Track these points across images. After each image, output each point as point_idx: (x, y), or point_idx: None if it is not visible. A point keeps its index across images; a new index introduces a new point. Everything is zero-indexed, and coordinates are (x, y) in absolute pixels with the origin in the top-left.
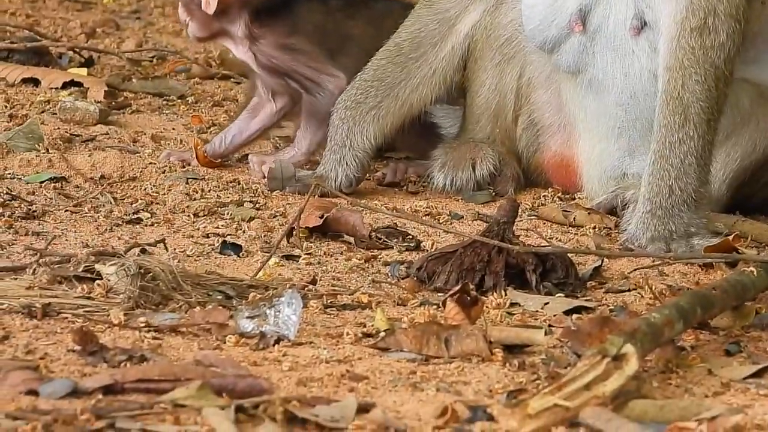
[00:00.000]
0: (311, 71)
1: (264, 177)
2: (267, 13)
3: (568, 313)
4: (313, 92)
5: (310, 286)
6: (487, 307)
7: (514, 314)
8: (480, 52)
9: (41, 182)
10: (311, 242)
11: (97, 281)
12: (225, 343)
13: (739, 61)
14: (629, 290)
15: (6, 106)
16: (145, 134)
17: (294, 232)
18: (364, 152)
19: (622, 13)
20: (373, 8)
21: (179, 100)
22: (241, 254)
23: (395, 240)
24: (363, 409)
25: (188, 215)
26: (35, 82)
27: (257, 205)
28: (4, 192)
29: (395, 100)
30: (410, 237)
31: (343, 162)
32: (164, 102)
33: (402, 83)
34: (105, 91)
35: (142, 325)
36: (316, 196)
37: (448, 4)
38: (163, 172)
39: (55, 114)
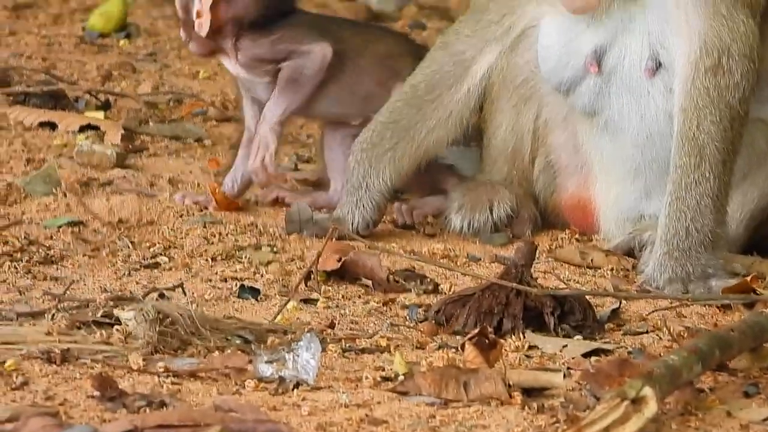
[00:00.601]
0: (294, 45)
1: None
2: (257, 28)
3: (586, 355)
4: (295, 57)
5: (329, 330)
6: (505, 350)
7: (533, 357)
8: (496, 94)
9: (59, 227)
10: (329, 286)
11: (116, 326)
12: (244, 387)
13: (754, 100)
14: (647, 332)
15: (23, 150)
16: (162, 178)
17: (312, 276)
18: (380, 194)
19: (637, 54)
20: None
21: (196, 143)
22: (259, 298)
23: (413, 283)
24: None
25: (206, 259)
26: (52, 125)
27: (275, 249)
28: (22, 237)
29: (411, 143)
30: (428, 280)
31: (360, 204)
32: (181, 145)
33: (418, 125)
34: (122, 134)
35: (161, 370)
36: (334, 239)
37: (464, 46)
38: (181, 216)
39: (72, 158)
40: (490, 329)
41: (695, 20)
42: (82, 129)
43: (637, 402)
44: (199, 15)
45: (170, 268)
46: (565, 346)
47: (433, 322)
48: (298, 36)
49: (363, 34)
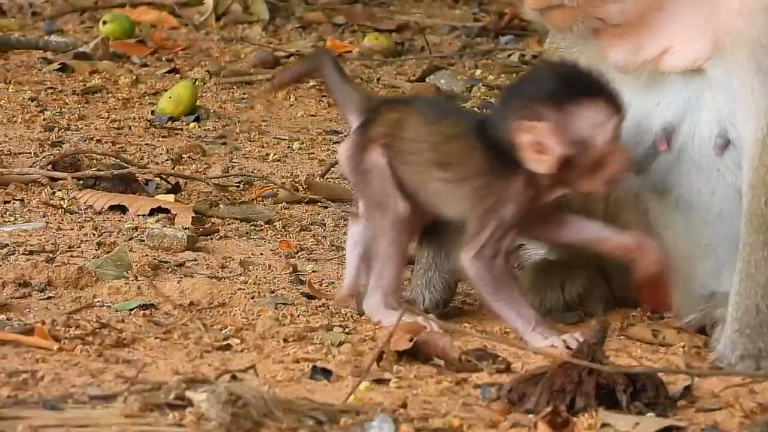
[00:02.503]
0: None
1: None
2: None
3: None
4: None
5: (401, 410)
6: (578, 428)
7: None
8: None
9: (130, 310)
10: (401, 366)
11: (189, 408)
12: None
13: None
14: (720, 409)
15: (94, 234)
16: (233, 260)
17: (384, 356)
18: (450, 273)
19: (707, 132)
20: None
21: (267, 225)
22: (331, 379)
23: (485, 362)
24: None
25: (278, 341)
26: (122, 209)
27: (346, 330)
28: (94, 320)
29: None
30: (500, 359)
31: (430, 285)
32: (252, 227)
33: None
34: (192, 217)
35: None
36: (405, 320)
37: None
38: (252, 298)
39: (143, 241)
40: (562, 407)
41: (761, 97)
42: (153, 212)
43: None
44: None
45: (242, 350)
46: (638, 423)
47: (506, 401)
48: None
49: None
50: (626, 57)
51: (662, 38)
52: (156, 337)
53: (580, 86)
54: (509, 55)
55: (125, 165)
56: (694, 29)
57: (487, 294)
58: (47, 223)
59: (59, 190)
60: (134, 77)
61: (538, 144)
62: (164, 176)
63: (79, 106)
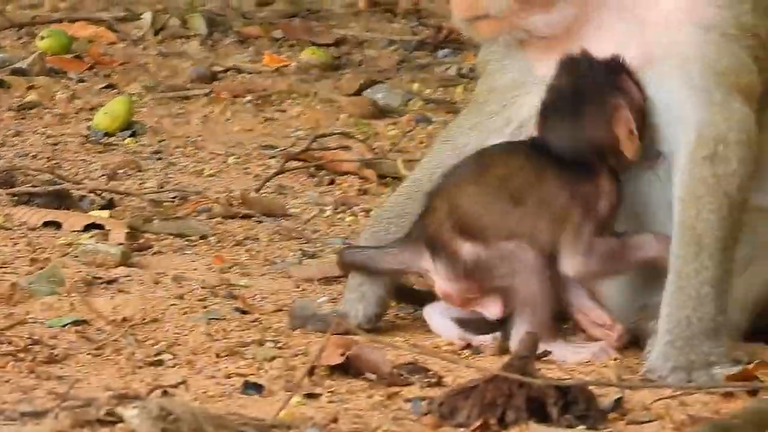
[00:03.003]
0: None
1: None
2: None
3: None
4: None
5: (332, 425)
6: None
7: None
8: None
9: (63, 326)
10: (333, 380)
11: (119, 424)
12: None
13: (753, 188)
14: (651, 421)
15: (28, 250)
16: (166, 275)
17: (315, 371)
18: (384, 288)
19: None
20: None
21: (201, 240)
22: (263, 394)
23: (417, 376)
24: None
25: (210, 356)
26: (57, 225)
27: (279, 344)
28: (26, 336)
29: None
30: (431, 373)
31: (364, 299)
32: (186, 242)
33: None
34: (126, 232)
35: None
36: (337, 334)
37: (466, 139)
38: (185, 313)
39: (77, 257)
40: (493, 421)
41: (690, 110)
42: (87, 228)
43: None
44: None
45: (174, 366)
46: None
47: (437, 414)
48: None
49: None
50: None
51: (589, 50)
52: (88, 353)
53: (608, 68)
54: (447, 69)
55: (60, 181)
56: (622, 42)
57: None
58: None
59: None
60: (71, 93)
61: (630, 129)
62: (99, 192)
63: (15, 122)
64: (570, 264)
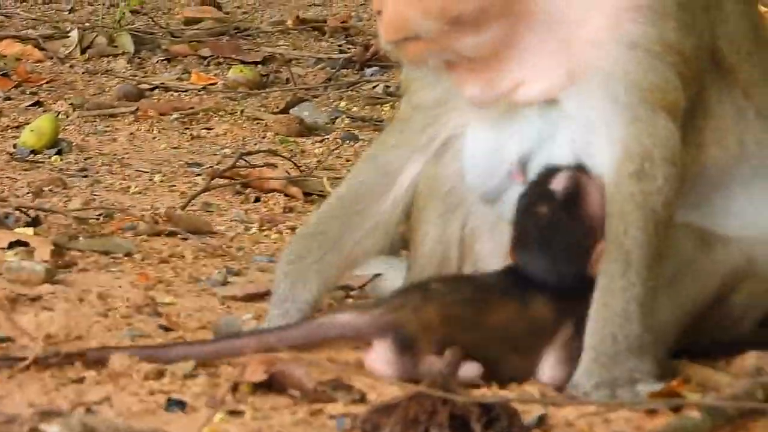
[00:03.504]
0: None
1: None
2: None
3: None
4: None
5: None
6: None
7: None
8: (423, 203)
9: None
10: (256, 397)
11: None
12: None
13: (679, 205)
14: None
15: None
16: (91, 292)
17: (239, 387)
18: (307, 306)
19: (563, 162)
20: None
21: (126, 258)
22: (186, 410)
23: (340, 393)
24: None
25: (133, 373)
26: None
27: (203, 362)
28: None
29: (338, 254)
30: (355, 389)
31: (287, 316)
32: (111, 260)
33: (344, 237)
34: (51, 250)
35: None
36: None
37: (390, 157)
38: (109, 330)
39: (1, 274)
40: None
41: (615, 127)
42: (11, 245)
43: None
44: None
45: (97, 383)
46: None
47: (360, 431)
48: None
49: None
50: (481, 91)
51: (516, 71)
52: (11, 371)
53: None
54: (374, 87)
55: None
56: (548, 61)
57: None
58: None
59: None
60: None
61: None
62: (24, 209)
63: None
64: (552, 373)
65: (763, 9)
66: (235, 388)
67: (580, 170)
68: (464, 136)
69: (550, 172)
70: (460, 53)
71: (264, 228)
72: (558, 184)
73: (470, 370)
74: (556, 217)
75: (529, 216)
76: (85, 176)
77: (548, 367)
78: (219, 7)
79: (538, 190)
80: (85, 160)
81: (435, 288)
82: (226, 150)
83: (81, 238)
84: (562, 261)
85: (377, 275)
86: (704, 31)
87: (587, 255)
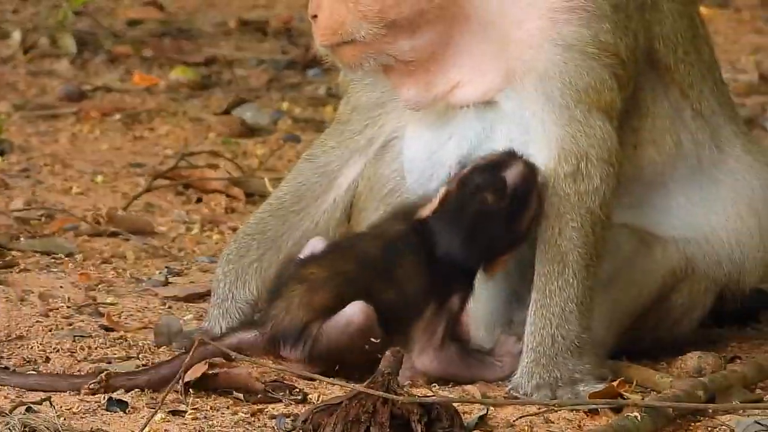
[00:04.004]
0: None
1: None
2: None
3: None
4: None
5: None
6: None
7: None
8: (363, 204)
9: None
10: (197, 397)
11: None
12: None
13: (616, 205)
14: None
15: None
16: (32, 293)
17: (180, 388)
18: (247, 305)
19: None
20: None
21: (67, 258)
22: (127, 410)
23: (282, 393)
24: None
25: (74, 372)
26: None
27: (144, 361)
28: None
29: (277, 253)
30: (297, 390)
31: (227, 316)
32: (52, 260)
33: (284, 236)
34: None
35: None
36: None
37: (329, 158)
38: (50, 330)
39: None
40: None
41: (552, 127)
42: None
43: None
44: None
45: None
46: None
47: (301, 431)
48: None
49: None
50: (417, 94)
51: (452, 73)
52: None
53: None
54: (316, 88)
55: None
56: (484, 62)
57: None
58: None
59: None
60: None
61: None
62: None
63: None
64: (421, 357)
65: (704, 10)
66: (176, 388)
67: (533, 171)
68: (404, 138)
69: (511, 157)
70: (396, 56)
71: (205, 228)
72: (513, 178)
73: (354, 308)
74: (497, 209)
75: (472, 195)
76: (27, 177)
77: (418, 349)
78: (161, 8)
79: (493, 174)
80: (27, 160)
81: (307, 273)
82: (168, 151)
83: (22, 239)
84: (476, 248)
85: None
86: (639, 32)
87: (497, 255)
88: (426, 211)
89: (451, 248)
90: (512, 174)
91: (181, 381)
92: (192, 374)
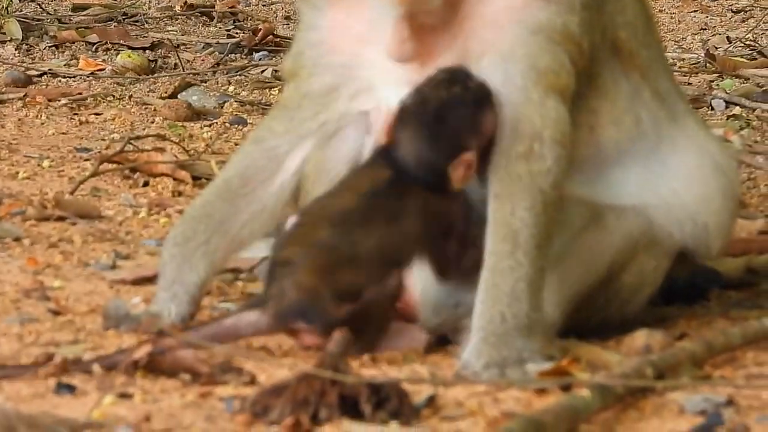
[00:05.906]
0: None
1: None
2: None
3: None
4: None
5: (145, 424)
6: None
7: None
8: (311, 187)
9: None
10: (146, 380)
11: None
12: None
13: (575, 181)
14: (464, 417)
15: None
16: None
17: (128, 371)
18: (195, 287)
19: None
20: None
21: (14, 243)
22: (75, 394)
23: (230, 375)
24: None
25: (23, 357)
26: None
27: (92, 345)
28: None
29: (224, 236)
30: (245, 372)
31: (175, 299)
32: None
33: (231, 219)
34: None
35: None
36: (150, 334)
37: (277, 142)
38: None
39: None
40: (305, 419)
41: (507, 107)
42: None
43: None
44: None
45: None
46: None
47: (250, 413)
48: None
49: None
50: (411, 50)
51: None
52: None
53: (476, 95)
54: (262, 71)
55: None
56: (445, 37)
57: None
58: None
59: None
60: None
61: (469, 170)
62: None
63: None
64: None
65: None
66: (124, 371)
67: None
68: (354, 123)
69: (467, 74)
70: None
71: (153, 212)
72: (473, 80)
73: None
74: (461, 98)
75: (435, 88)
76: None
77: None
78: None
79: (455, 70)
80: None
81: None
82: (115, 135)
83: None
84: (435, 149)
85: (266, 258)
86: (606, 28)
87: (457, 154)
88: (383, 134)
89: (419, 151)
90: (472, 74)
91: (130, 363)
92: (141, 358)
